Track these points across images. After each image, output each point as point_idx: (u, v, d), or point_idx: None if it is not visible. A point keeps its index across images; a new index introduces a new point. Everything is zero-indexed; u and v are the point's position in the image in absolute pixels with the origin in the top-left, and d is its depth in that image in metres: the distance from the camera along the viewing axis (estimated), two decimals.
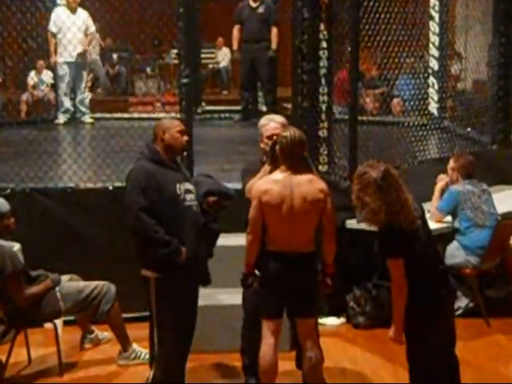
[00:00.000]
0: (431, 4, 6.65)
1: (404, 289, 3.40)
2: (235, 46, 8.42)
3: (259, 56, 8.13)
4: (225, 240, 4.41)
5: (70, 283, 4.58)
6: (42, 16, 7.87)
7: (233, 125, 8.42)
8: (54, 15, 7.96)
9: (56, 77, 8.37)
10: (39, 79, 9.50)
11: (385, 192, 3.39)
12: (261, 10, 8.11)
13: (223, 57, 12.99)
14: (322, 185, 3.84)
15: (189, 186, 3.95)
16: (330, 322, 5.22)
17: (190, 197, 3.92)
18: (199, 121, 7.98)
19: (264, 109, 8.56)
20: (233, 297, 4.62)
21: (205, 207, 4.01)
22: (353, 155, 5.50)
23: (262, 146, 4.11)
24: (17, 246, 4.81)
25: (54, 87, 8.58)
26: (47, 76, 9.28)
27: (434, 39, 6.74)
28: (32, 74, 9.44)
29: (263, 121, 4.18)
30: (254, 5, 8.13)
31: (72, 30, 7.60)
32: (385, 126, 6.92)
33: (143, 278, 3.90)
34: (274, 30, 8.11)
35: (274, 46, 8.12)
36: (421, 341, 3.51)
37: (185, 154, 4.81)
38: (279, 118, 4.18)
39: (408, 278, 3.39)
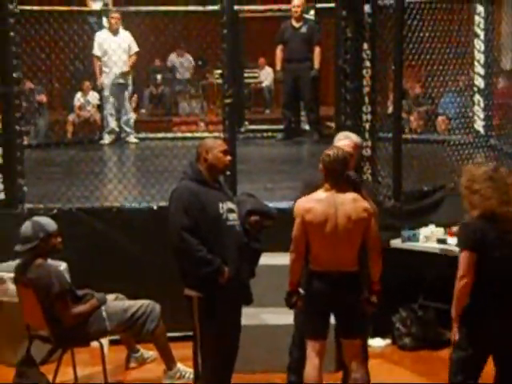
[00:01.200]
0: (476, 22, 6.60)
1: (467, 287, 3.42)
2: (278, 66, 8.46)
3: (302, 75, 8.15)
4: (268, 259, 4.40)
5: (116, 302, 4.61)
6: (89, 38, 8.03)
7: (275, 144, 8.43)
8: (97, 38, 8.11)
9: (101, 98, 8.51)
10: (85, 100, 9.66)
11: (496, 181, 3.46)
12: (303, 30, 8.14)
13: (266, 76, 13.05)
14: (366, 204, 3.82)
15: (231, 205, 3.96)
16: (376, 343, 5.16)
17: (232, 216, 3.92)
18: (242, 140, 8.02)
19: (307, 128, 8.57)
20: (276, 316, 4.61)
21: (247, 226, 4.01)
22: (397, 174, 5.46)
23: None
24: (63, 266, 4.87)
25: (100, 108, 8.72)
26: (93, 97, 9.44)
27: (480, 57, 6.68)
28: (78, 95, 9.60)
29: (339, 136, 4.19)
30: (296, 25, 8.17)
31: (116, 52, 7.73)
32: (430, 144, 6.86)
33: (186, 297, 3.91)
34: (317, 50, 8.13)
35: (316, 65, 8.14)
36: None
37: (228, 173, 4.84)
38: (355, 138, 4.18)
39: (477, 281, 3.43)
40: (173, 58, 12.12)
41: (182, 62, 12.08)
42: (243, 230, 3.99)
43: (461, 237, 3.55)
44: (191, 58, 12.05)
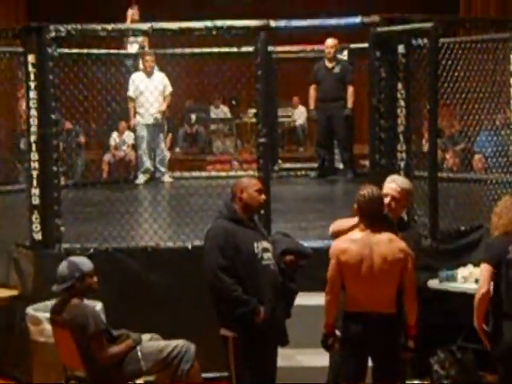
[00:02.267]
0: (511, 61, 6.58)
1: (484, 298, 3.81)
2: (312, 105, 8.51)
3: (335, 114, 8.19)
4: (303, 299, 4.37)
5: (151, 343, 4.60)
6: (125, 80, 8.17)
7: (309, 182, 8.43)
8: (132, 80, 8.24)
9: (136, 137, 8.61)
10: (121, 140, 9.79)
11: None
12: (337, 69, 8.20)
13: (299, 115, 13.12)
14: (402, 244, 3.78)
15: (266, 244, 3.96)
16: None
17: (267, 255, 3.92)
18: (276, 179, 8.03)
19: (340, 166, 8.55)
20: (312, 358, 4.55)
21: (282, 266, 3.99)
22: (433, 213, 5.41)
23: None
24: (99, 306, 4.88)
25: (135, 148, 8.82)
26: (128, 137, 9.57)
27: None
28: (114, 135, 9.75)
29: (388, 178, 4.17)
30: (330, 65, 8.24)
31: (152, 93, 7.85)
32: (466, 183, 6.80)
33: (222, 337, 3.90)
34: (350, 89, 8.17)
35: (350, 104, 8.18)
36: None
37: (262, 212, 4.84)
38: (402, 182, 4.14)
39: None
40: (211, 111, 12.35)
41: (217, 114, 12.28)
42: (278, 270, 3.97)
43: (484, 250, 4.01)
44: (226, 110, 12.22)
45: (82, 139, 9.70)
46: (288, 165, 9.26)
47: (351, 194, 4.04)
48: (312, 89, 8.38)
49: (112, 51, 8.11)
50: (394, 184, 4.05)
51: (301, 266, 4.09)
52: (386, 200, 3.92)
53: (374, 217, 3.79)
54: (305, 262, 4.09)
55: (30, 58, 5.26)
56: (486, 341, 3.92)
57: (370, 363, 3.85)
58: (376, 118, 5.40)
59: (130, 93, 8.20)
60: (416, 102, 5.53)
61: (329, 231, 4.09)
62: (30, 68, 5.26)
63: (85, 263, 4.43)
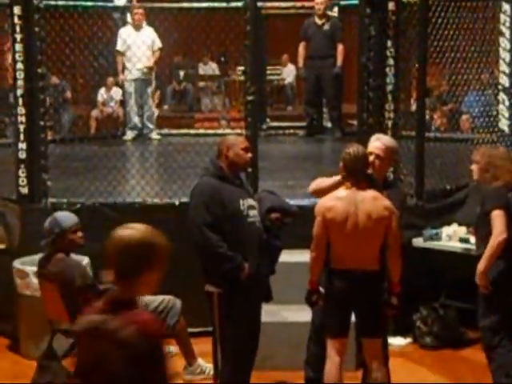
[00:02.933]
0: (501, 20, 6.53)
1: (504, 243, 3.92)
2: (301, 63, 8.45)
3: (324, 72, 8.13)
4: (288, 256, 4.40)
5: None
6: (113, 34, 8.06)
7: (297, 141, 8.42)
8: (122, 34, 8.14)
9: (124, 93, 8.54)
10: (108, 96, 9.71)
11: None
12: (326, 27, 8.13)
13: (288, 73, 13.03)
14: (386, 202, 3.80)
15: (252, 202, 3.97)
16: (397, 342, 5.14)
17: (253, 213, 3.93)
18: (264, 137, 8.01)
19: (328, 125, 8.54)
20: (296, 314, 4.61)
21: (267, 223, 4.01)
22: (420, 172, 5.43)
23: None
24: (86, 260, 4.90)
25: (123, 104, 8.75)
26: (116, 93, 9.49)
27: (505, 55, 6.61)
28: (102, 90, 9.66)
29: (372, 137, 4.15)
30: (319, 22, 8.16)
31: (140, 48, 7.76)
32: (453, 142, 6.81)
33: (207, 293, 3.93)
34: (340, 47, 8.11)
35: (339, 62, 8.12)
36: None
37: (249, 170, 4.85)
38: (387, 140, 4.12)
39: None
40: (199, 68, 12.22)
41: (205, 70, 12.15)
42: (263, 227, 3.99)
43: (493, 198, 4.01)
44: (214, 66, 12.09)
45: (69, 94, 9.60)
46: (276, 123, 9.24)
47: (339, 152, 4.04)
48: (301, 46, 8.31)
49: (99, 3, 7.98)
50: (378, 142, 4.05)
51: (286, 224, 4.11)
52: (371, 158, 3.92)
53: (360, 175, 3.80)
54: (290, 219, 4.11)
55: (16, 10, 5.19)
56: (487, 285, 3.96)
57: (353, 319, 3.90)
58: (364, 77, 5.37)
59: (118, 47, 8.10)
60: (405, 61, 5.50)
61: (309, 189, 4.10)
62: (16, 20, 5.19)
63: (66, 219, 4.41)
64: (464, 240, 5.11)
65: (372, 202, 3.77)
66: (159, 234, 2.27)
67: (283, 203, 4.18)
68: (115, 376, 2.10)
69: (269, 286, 4.05)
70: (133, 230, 2.21)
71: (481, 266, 3.97)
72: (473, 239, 4.98)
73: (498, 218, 3.96)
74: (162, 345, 2.15)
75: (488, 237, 3.99)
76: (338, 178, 3.92)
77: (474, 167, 4.16)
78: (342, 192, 3.82)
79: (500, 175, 4.06)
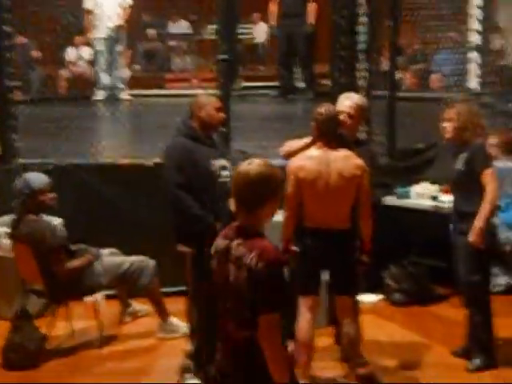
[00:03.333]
0: None
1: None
2: (272, 21, 8.36)
3: (296, 31, 8.05)
4: None
5: (110, 257, 4.64)
6: None
7: (269, 101, 8.39)
8: None
9: (94, 52, 8.41)
10: (78, 55, 9.56)
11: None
12: None
13: (260, 32, 12.90)
14: (358, 161, 3.82)
15: (224, 162, 3.97)
16: (367, 298, 5.21)
17: (225, 173, 3.93)
18: (236, 97, 7.97)
19: (302, 85, 8.51)
20: None
21: None
22: (391, 131, 5.46)
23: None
24: (58, 221, 4.88)
25: (93, 63, 8.63)
26: (85, 52, 9.34)
27: (478, 13, 6.60)
28: (69, 49, 9.49)
29: (341, 97, 4.13)
30: None
31: (109, 5, 7.62)
32: (424, 102, 6.84)
33: (180, 253, 3.95)
34: (313, 5, 8.03)
35: (312, 20, 8.04)
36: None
37: (222, 130, 4.83)
38: (356, 98, 4.12)
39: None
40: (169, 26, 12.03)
41: (176, 29, 11.98)
42: None
43: (482, 157, 4.05)
44: (185, 24, 11.93)
45: (35, 53, 9.42)
46: (248, 83, 9.18)
47: (311, 113, 4.04)
48: (272, 3, 8.20)
49: None
50: (348, 101, 4.06)
51: None
52: (342, 117, 3.93)
53: (331, 134, 3.81)
54: None
55: None
56: (482, 242, 3.99)
57: (325, 277, 3.95)
58: (337, 36, 5.35)
59: (87, 4, 7.95)
60: (377, 19, 5.48)
61: (280, 153, 4.10)
62: None
63: (36, 180, 4.38)
64: (434, 198, 5.17)
65: (344, 160, 3.79)
66: (276, 167, 2.52)
67: None
68: (240, 294, 2.41)
69: None
70: (256, 166, 2.46)
71: (479, 223, 3.96)
72: (444, 197, 5.06)
73: (490, 176, 3.99)
74: (281, 271, 2.41)
75: (474, 195, 4.00)
76: (308, 139, 3.93)
77: (447, 125, 4.13)
78: (313, 151, 3.83)
79: (480, 133, 4.09)
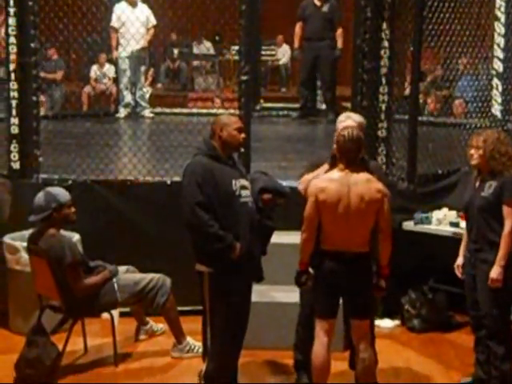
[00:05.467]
0: (497, 5, 6.52)
1: None
2: (296, 44, 8.39)
3: (322, 54, 8.09)
4: (279, 237, 4.41)
5: (127, 275, 4.65)
6: (107, 10, 8.00)
7: (290, 122, 8.41)
8: (116, 10, 8.08)
9: (118, 71, 8.50)
10: (101, 73, 9.66)
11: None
12: (325, 8, 8.06)
13: (283, 54, 12.98)
14: (379, 185, 3.81)
15: (244, 182, 3.96)
16: (385, 324, 5.17)
17: (245, 193, 3.93)
18: (257, 118, 8.00)
19: (322, 107, 8.53)
20: (286, 295, 4.63)
21: (260, 204, 4.01)
22: (412, 156, 5.44)
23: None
24: (76, 237, 4.91)
25: (116, 81, 8.71)
26: (109, 70, 9.43)
27: (500, 40, 6.61)
28: (94, 67, 9.60)
29: (341, 117, 4.16)
30: (318, 3, 8.09)
31: (134, 25, 7.70)
32: (446, 127, 6.82)
33: (197, 272, 3.94)
34: (340, 30, 8.06)
35: (340, 44, 8.06)
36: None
37: (242, 150, 4.84)
38: (357, 117, 4.14)
39: None
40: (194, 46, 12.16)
41: (200, 49, 12.10)
42: (256, 208, 3.99)
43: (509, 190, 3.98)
44: (209, 45, 12.04)
45: (60, 72, 9.55)
46: (270, 104, 9.22)
47: (332, 135, 4.05)
48: (298, 27, 8.24)
49: None
50: (350, 120, 4.06)
51: (278, 205, 4.11)
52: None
53: (353, 157, 3.80)
54: (282, 200, 4.11)
55: None
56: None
57: (341, 300, 3.92)
58: (359, 59, 5.36)
59: (113, 23, 8.05)
60: (400, 44, 5.48)
61: (300, 190, 4.07)
62: None
63: (62, 194, 4.43)
64: (454, 224, 5.13)
65: (365, 184, 3.77)
66: None
67: (276, 184, 4.17)
68: None
69: (260, 267, 4.05)
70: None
71: (500, 262, 3.92)
72: (463, 223, 5.01)
73: None
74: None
75: (499, 224, 3.97)
76: (323, 168, 3.92)
77: (473, 152, 4.09)
78: (335, 174, 3.82)
79: (508, 163, 4.02)
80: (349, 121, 4.07)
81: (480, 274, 4.05)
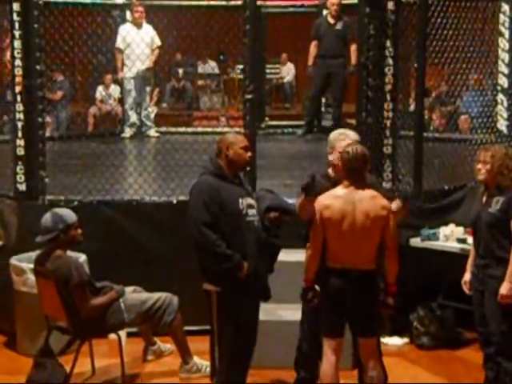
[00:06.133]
0: (501, 21, 6.54)
1: None
2: (310, 62, 8.40)
3: (334, 72, 8.09)
4: (286, 255, 4.40)
5: (134, 295, 4.64)
6: (112, 31, 8.06)
7: (296, 140, 8.42)
8: (121, 31, 8.13)
9: (123, 91, 8.54)
10: (107, 93, 9.70)
11: None
12: (339, 26, 8.07)
13: (287, 72, 13.03)
14: (384, 201, 3.80)
15: (251, 200, 3.96)
16: (393, 341, 5.14)
17: (251, 212, 3.93)
18: (262, 135, 8.01)
19: (328, 124, 8.52)
20: (293, 313, 4.60)
21: (266, 222, 4.01)
22: (417, 172, 5.43)
23: (331, 158, 4.09)
24: (83, 257, 4.91)
25: (121, 101, 8.75)
26: (115, 90, 9.48)
27: (504, 56, 6.62)
28: (100, 88, 9.65)
29: (338, 135, 4.12)
30: (332, 21, 8.09)
31: (139, 46, 7.75)
32: (451, 143, 6.81)
33: (205, 291, 3.93)
34: (353, 47, 8.02)
35: (354, 61, 8.04)
36: None
37: (248, 168, 4.84)
38: (353, 136, 4.12)
39: None
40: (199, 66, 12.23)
41: (204, 69, 12.17)
42: (262, 226, 3.99)
43: None
44: (214, 64, 12.10)
45: (64, 92, 9.60)
46: (275, 122, 9.23)
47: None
48: (313, 45, 8.23)
49: (98, 1, 7.98)
50: (347, 140, 4.03)
51: (284, 223, 4.10)
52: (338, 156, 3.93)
53: (358, 174, 3.80)
54: (288, 218, 4.11)
55: (15, 7, 5.18)
56: None
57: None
58: (364, 76, 5.37)
59: (118, 44, 8.10)
60: (404, 61, 5.50)
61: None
62: (15, 17, 5.18)
63: (69, 215, 4.44)
64: (461, 240, 5.11)
65: (370, 201, 3.77)
66: None
67: (282, 202, 4.17)
68: None
69: (267, 285, 4.04)
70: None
71: (509, 280, 3.91)
72: (470, 239, 4.99)
73: None
74: None
75: (508, 240, 3.96)
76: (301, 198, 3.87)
77: (481, 167, 4.08)
78: (340, 191, 3.82)
79: None
80: (347, 140, 4.02)
81: (488, 290, 4.02)
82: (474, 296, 4.15)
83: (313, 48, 8.25)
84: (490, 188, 4.10)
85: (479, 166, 4.10)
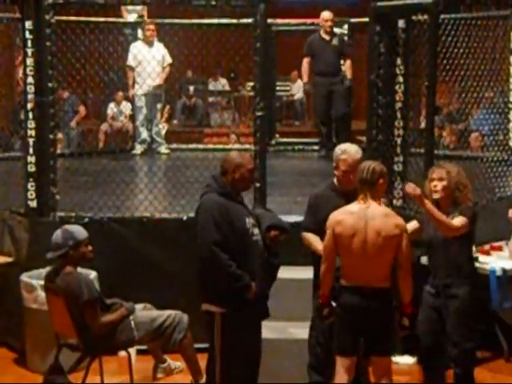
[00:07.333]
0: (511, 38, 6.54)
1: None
2: (305, 79, 8.40)
3: (337, 89, 8.08)
4: (294, 273, 4.38)
5: (144, 312, 4.63)
6: (123, 49, 8.11)
7: (306, 157, 8.42)
8: (132, 49, 8.18)
9: (134, 108, 8.58)
10: (118, 110, 9.75)
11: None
12: (335, 42, 8.07)
13: (298, 89, 13.06)
14: (398, 220, 3.78)
15: (253, 220, 3.96)
16: (404, 360, 5.10)
17: (256, 231, 3.92)
18: (273, 152, 8.02)
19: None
20: (299, 331, 4.58)
21: (267, 242, 3.99)
22: None
23: (337, 173, 4.10)
24: (93, 274, 4.91)
25: (132, 118, 8.79)
26: (126, 107, 9.53)
27: None
28: (111, 105, 9.70)
29: (342, 154, 4.14)
30: (326, 37, 8.07)
31: (150, 63, 7.79)
32: (462, 160, 6.79)
33: (206, 312, 3.89)
34: (348, 62, 8.07)
35: (349, 75, 8.07)
36: None
37: (258, 185, 4.85)
38: (355, 152, 4.14)
39: None
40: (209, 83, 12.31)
41: (215, 86, 12.22)
42: (263, 245, 3.97)
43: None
44: (224, 81, 12.16)
45: (80, 109, 9.66)
46: (285, 139, 9.25)
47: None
48: (305, 62, 8.22)
49: (110, 19, 8.04)
50: (351, 160, 4.07)
51: (281, 241, 4.08)
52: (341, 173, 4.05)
53: (372, 190, 3.78)
54: (285, 237, 4.09)
55: (28, 25, 5.23)
56: None
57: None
58: (374, 94, 5.38)
59: (130, 62, 8.15)
60: (415, 79, 5.50)
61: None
62: (28, 35, 5.23)
63: (79, 232, 4.44)
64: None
65: (383, 218, 3.75)
66: None
67: (280, 221, 4.16)
68: None
69: (266, 304, 4.02)
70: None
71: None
72: (482, 258, 4.99)
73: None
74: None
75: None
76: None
77: (436, 183, 4.10)
78: (354, 207, 3.81)
79: (470, 196, 4.16)
80: (350, 160, 4.08)
81: (450, 309, 4.08)
82: (429, 313, 4.15)
83: (305, 65, 8.21)
84: (443, 206, 4.09)
85: (435, 183, 4.10)
